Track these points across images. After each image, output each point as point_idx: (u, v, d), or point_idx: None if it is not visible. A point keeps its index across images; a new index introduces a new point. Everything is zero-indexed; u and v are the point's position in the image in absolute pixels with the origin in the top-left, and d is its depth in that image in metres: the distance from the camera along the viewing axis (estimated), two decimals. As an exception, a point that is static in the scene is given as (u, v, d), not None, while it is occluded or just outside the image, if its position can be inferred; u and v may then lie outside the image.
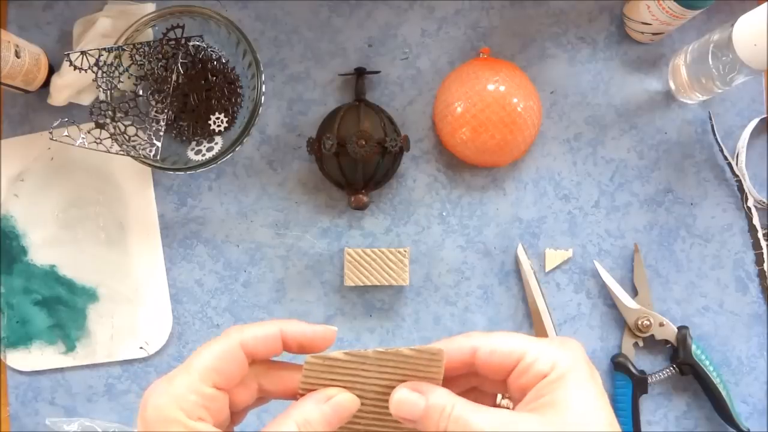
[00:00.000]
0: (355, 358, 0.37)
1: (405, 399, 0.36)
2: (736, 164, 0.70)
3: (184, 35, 0.67)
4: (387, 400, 0.37)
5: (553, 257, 0.70)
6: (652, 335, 0.69)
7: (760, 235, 0.70)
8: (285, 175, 0.71)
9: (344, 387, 0.37)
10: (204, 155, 0.68)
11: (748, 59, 0.58)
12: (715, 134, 0.70)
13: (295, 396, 0.38)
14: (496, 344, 0.37)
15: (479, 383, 0.40)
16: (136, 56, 0.66)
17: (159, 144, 0.66)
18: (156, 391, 0.35)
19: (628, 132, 0.71)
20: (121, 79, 0.66)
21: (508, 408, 0.39)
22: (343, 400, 0.37)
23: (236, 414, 0.39)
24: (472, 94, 0.67)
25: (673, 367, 0.69)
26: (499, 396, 0.39)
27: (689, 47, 0.67)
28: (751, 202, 0.70)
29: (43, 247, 0.71)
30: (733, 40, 0.58)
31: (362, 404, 0.37)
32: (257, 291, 0.71)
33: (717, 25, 0.64)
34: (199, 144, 0.70)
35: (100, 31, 0.68)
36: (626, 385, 0.68)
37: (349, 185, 0.68)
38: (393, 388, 0.37)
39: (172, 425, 0.34)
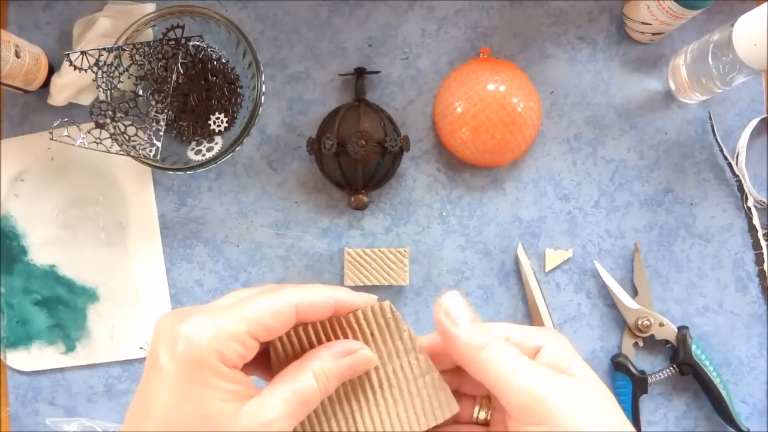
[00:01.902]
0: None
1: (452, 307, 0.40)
2: (736, 164, 0.70)
3: (184, 35, 0.67)
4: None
5: (553, 257, 0.70)
6: (652, 335, 0.69)
7: (760, 235, 0.70)
8: (285, 175, 0.71)
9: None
10: (204, 155, 0.68)
11: (748, 59, 0.58)
12: (715, 134, 0.70)
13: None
14: None
15: (459, 384, 0.40)
16: (136, 56, 0.66)
17: (159, 144, 0.66)
18: (196, 325, 0.31)
19: (628, 132, 0.71)
20: (121, 79, 0.66)
21: (486, 419, 0.39)
22: (362, 356, 0.36)
23: None
24: (472, 94, 0.67)
25: (673, 367, 0.68)
26: (477, 408, 0.40)
27: (689, 47, 0.67)
28: (751, 202, 0.70)
29: (43, 247, 0.71)
30: (733, 40, 0.58)
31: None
32: (257, 291, 0.71)
33: (717, 25, 0.64)
34: (199, 144, 0.70)
35: (100, 31, 0.68)
36: (626, 385, 0.68)
37: (349, 185, 0.68)
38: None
39: (206, 369, 0.31)
